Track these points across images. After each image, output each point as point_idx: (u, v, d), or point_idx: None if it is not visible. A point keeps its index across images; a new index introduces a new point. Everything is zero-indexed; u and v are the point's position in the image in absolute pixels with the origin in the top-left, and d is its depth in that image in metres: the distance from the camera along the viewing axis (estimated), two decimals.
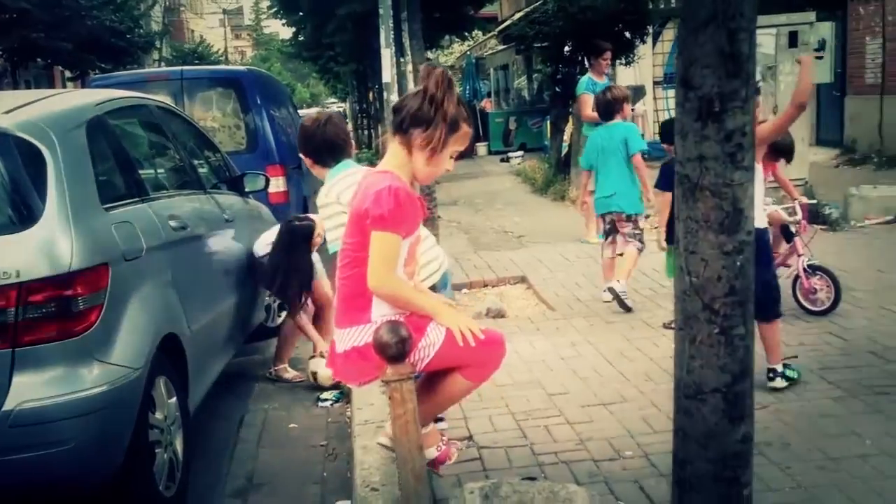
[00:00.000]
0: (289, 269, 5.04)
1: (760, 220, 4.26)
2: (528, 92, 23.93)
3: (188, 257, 4.25)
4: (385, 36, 6.43)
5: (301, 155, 4.03)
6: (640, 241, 6.11)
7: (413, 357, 2.75)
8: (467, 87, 26.47)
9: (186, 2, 54.21)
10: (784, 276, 5.62)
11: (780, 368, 4.23)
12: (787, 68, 8.97)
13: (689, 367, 2.01)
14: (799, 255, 5.47)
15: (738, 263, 1.90)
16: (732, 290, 1.92)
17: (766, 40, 9.15)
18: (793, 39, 9.13)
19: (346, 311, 2.82)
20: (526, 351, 5.18)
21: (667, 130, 5.92)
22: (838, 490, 3.20)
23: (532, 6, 16.75)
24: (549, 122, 15.65)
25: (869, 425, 3.77)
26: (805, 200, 5.65)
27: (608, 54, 8.69)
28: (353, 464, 3.77)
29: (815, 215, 8.08)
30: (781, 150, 5.28)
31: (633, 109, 6.86)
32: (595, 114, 8.11)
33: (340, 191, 3.62)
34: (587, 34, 11.73)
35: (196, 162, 5.34)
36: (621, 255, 6.25)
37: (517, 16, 20.02)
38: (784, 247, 5.63)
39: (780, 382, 4.21)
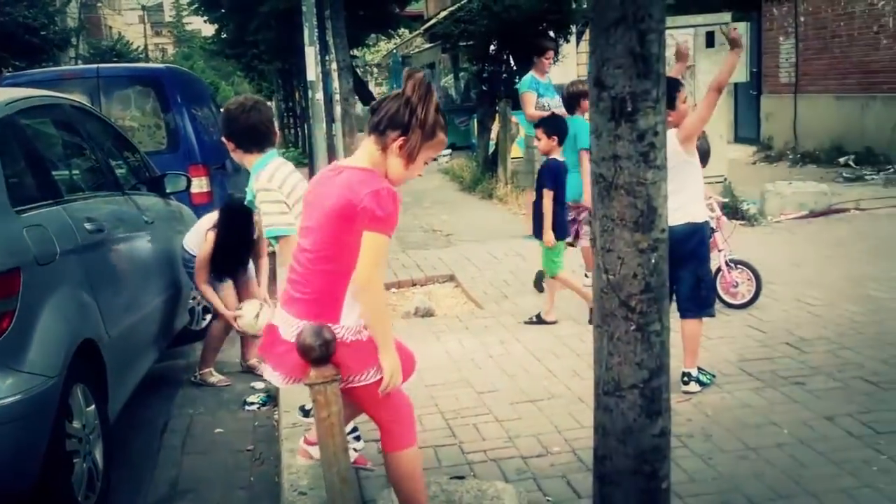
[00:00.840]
0: (238, 246, 5.09)
1: (703, 214, 4.34)
2: (455, 90, 24.01)
3: (106, 261, 4.14)
4: (309, 34, 6.37)
5: (223, 138, 3.98)
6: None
7: (352, 376, 2.69)
8: (394, 86, 26.43)
9: None
10: None
11: (694, 373, 4.27)
12: (705, 67, 9.23)
13: (607, 364, 2.04)
14: (720, 251, 5.64)
15: (653, 261, 1.94)
16: (648, 287, 1.96)
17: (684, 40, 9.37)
18: (710, 39, 9.41)
19: (313, 303, 2.71)
20: (455, 350, 5.20)
21: (546, 123, 6.04)
22: (757, 479, 3.30)
23: (457, 5, 16.82)
24: (475, 121, 15.74)
25: (786, 415, 3.90)
26: (719, 198, 5.85)
27: (550, 53, 8.76)
28: (281, 468, 3.73)
29: (734, 211, 8.34)
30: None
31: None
32: (537, 112, 8.16)
33: (283, 178, 3.76)
34: (512, 33, 11.86)
35: (113, 163, 5.21)
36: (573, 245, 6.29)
37: (443, 14, 20.10)
38: None
39: (693, 387, 4.25)
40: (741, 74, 10.26)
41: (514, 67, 13.55)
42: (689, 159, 4.22)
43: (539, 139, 5.77)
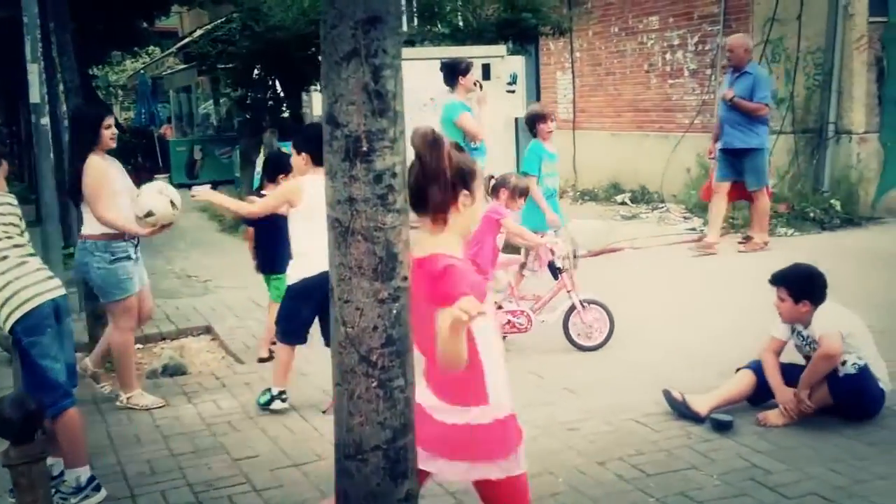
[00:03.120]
0: None
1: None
2: (216, 118, 23.54)
3: None
4: (31, 48, 5.99)
5: None
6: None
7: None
8: (142, 111, 25.38)
9: None
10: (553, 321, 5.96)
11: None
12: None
13: (348, 425, 2.05)
14: (569, 291, 5.83)
15: (395, 311, 1.98)
16: (390, 339, 1.99)
17: None
18: (486, 72, 9.90)
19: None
20: (209, 411, 5.06)
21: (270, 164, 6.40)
22: None
23: (215, 23, 16.56)
24: (238, 153, 15.50)
25: (561, 463, 4.11)
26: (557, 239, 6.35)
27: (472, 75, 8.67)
28: None
29: (514, 250, 8.73)
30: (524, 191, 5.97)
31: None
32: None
33: None
34: (278, 56, 11.79)
35: None
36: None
37: (199, 33, 19.71)
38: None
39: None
40: (517, 109, 10.83)
41: (282, 94, 13.45)
42: None
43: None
